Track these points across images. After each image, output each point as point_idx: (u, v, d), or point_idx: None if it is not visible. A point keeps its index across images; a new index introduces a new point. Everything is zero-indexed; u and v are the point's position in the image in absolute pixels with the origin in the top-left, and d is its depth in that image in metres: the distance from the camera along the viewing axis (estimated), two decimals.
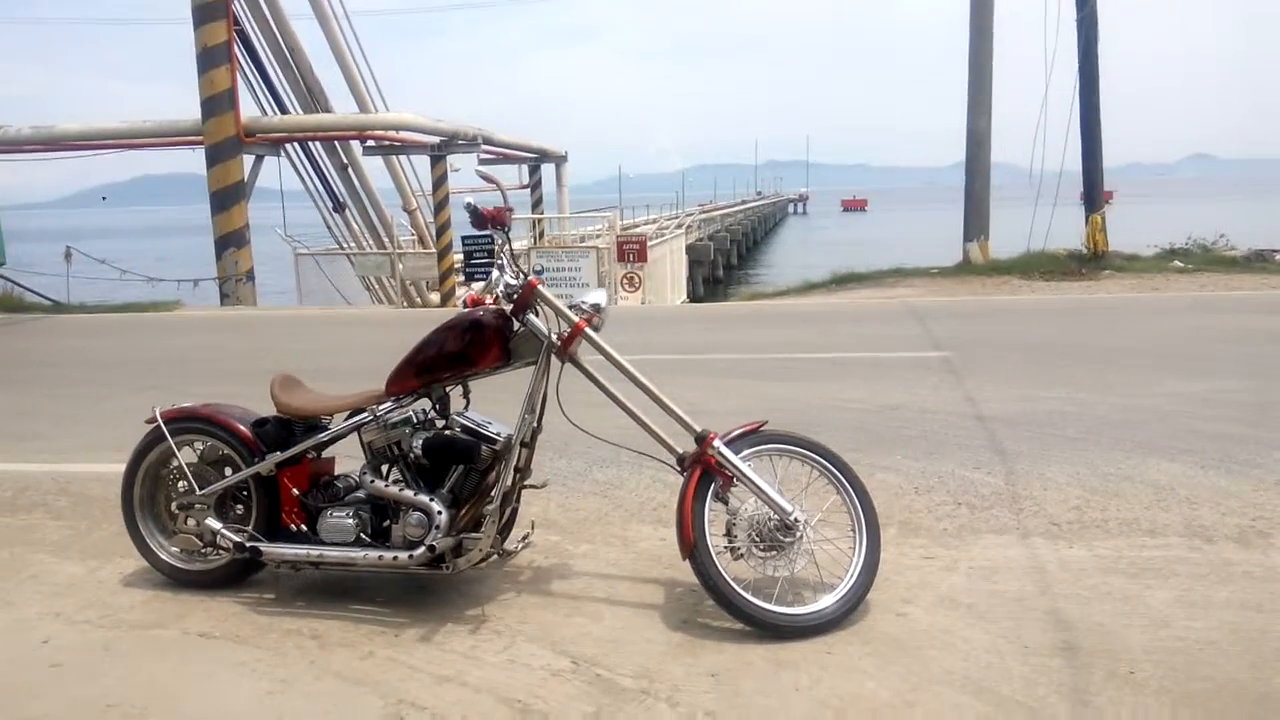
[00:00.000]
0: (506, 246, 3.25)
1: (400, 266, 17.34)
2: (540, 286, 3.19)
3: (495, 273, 3.24)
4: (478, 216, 3.18)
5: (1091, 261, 13.29)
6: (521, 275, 3.21)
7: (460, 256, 15.19)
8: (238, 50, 15.50)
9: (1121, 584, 3.28)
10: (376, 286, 18.86)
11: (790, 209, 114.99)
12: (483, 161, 19.24)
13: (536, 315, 3.22)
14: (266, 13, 16.17)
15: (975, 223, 14.48)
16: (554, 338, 3.19)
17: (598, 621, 3.13)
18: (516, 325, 3.22)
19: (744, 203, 69.65)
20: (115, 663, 2.95)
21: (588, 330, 3.17)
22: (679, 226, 21.81)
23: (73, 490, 4.67)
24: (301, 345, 10.00)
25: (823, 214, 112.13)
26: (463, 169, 18.59)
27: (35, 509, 4.46)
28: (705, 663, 2.84)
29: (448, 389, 3.31)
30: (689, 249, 27.17)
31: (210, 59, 14.65)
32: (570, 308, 3.21)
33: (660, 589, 3.38)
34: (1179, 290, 11.47)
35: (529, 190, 24.39)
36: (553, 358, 3.19)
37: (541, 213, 23.14)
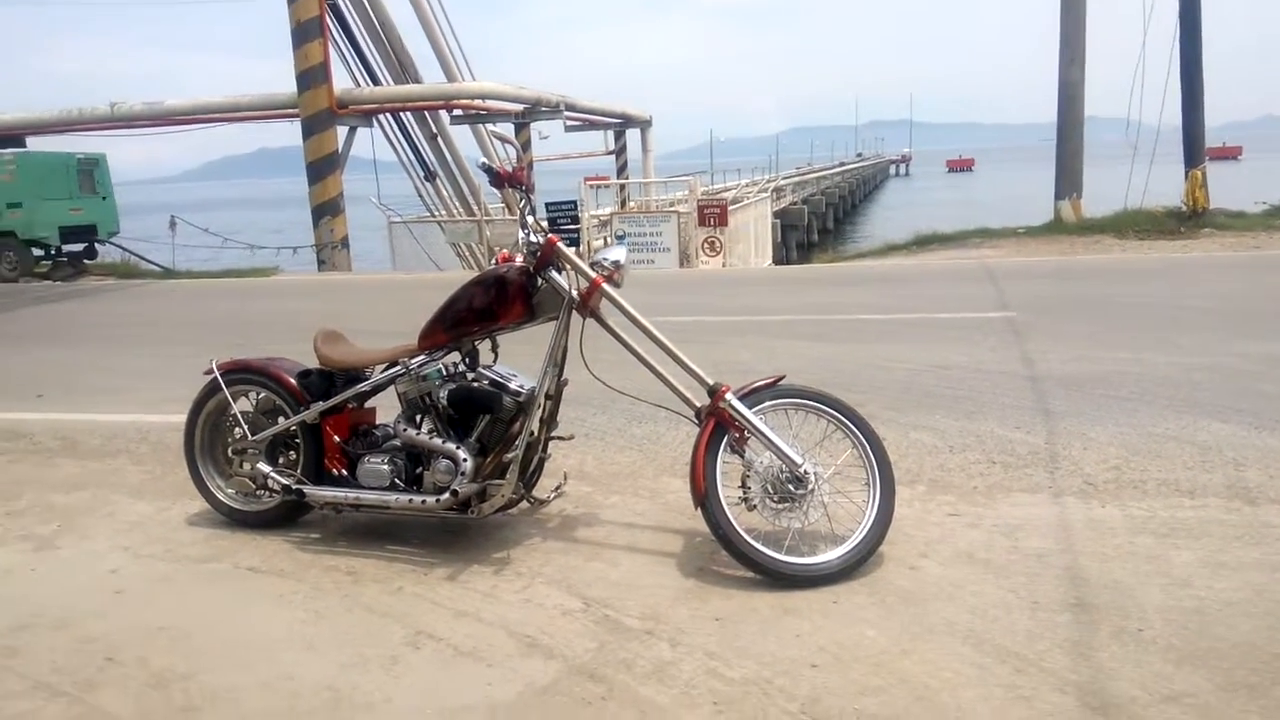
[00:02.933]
0: (526, 205, 3.35)
1: (488, 233, 17.71)
2: (559, 244, 3.28)
3: (520, 232, 3.35)
4: (494, 176, 3.29)
5: (1190, 219, 12.62)
6: (543, 233, 3.31)
7: (545, 223, 15.48)
8: (330, 24, 16.01)
9: (1149, 544, 3.21)
10: (466, 253, 19.33)
11: (892, 170, 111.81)
12: (568, 128, 19.42)
13: (559, 272, 3.32)
14: None
15: (1067, 180, 13.88)
16: (574, 293, 3.28)
17: (615, 567, 3.25)
18: (540, 282, 3.31)
19: (842, 165, 68.09)
20: (172, 592, 3.22)
21: (605, 286, 3.25)
22: (761, 191, 21.58)
23: (153, 439, 5.07)
24: (385, 308, 10.39)
25: (926, 175, 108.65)
26: (551, 135, 18.75)
27: (119, 455, 4.86)
28: (712, 607, 2.92)
29: (476, 343, 3.45)
30: (781, 213, 26.83)
31: (304, 33, 15.18)
32: (591, 265, 3.30)
33: (680, 538, 3.48)
34: None
35: (614, 156, 24.52)
36: (575, 313, 3.29)
37: (627, 178, 23.24)
